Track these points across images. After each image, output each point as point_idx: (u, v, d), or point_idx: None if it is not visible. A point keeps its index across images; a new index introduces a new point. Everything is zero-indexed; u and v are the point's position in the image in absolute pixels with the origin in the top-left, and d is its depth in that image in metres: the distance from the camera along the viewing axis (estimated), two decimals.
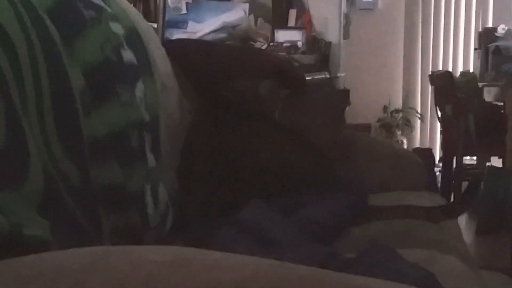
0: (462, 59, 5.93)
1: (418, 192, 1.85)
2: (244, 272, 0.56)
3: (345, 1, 5.59)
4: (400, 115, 5.93)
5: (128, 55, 1.35)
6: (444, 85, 4.33)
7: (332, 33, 5.62)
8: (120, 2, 1.43)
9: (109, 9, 1.34)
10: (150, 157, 1.34)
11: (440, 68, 5.86)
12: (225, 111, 1.77)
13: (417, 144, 6.01)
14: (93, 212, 1.04)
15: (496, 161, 4.59)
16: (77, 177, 1.01)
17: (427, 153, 4.69)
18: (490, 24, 5.55)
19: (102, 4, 1.33)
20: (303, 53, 5.47)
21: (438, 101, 4.60)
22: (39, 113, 0.94)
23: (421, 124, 6.01)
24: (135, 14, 1.53)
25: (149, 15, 4.52)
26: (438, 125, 5.14)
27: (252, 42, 5.31)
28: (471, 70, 5.02)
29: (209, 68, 1.90)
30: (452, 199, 4.08)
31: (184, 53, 1.86)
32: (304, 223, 1.33)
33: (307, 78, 2.33)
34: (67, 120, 1.03)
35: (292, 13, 5.79)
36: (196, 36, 5.19)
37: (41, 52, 0.98)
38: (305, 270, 0.60)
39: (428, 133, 6.01)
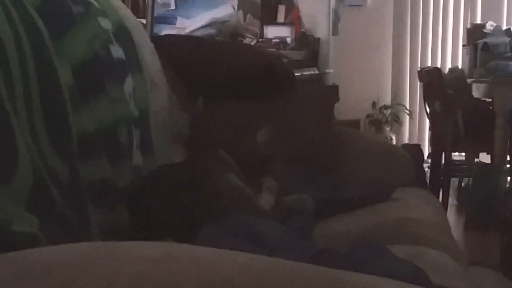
0: (450, 55, 5.93)
1: (407, 187, 1.85)
2: (234, 268, 0.56)
3: None
4: (389, 111, 5.93)
5: (117, 50, 1.34)
6: (433, 81, 4.33)
7: (321, 29, 5.61)
8: None
9: (97, 5, 1.34)
10: (137, 155, 1.34)
11: (429, 64, 5.85)
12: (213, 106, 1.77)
13: (405, 140, 6.01)
14: (82, 208, 1.04)
15: (484, 157, 4.60)
16: (66, 173, 1.00)
17: (416, 149, 4.69)
18: (478, 21, 5.53)
19: None
20: (292, 49, 5.46)
21: (427, 97, 4.60)
22: (28, 109, 0.93)
23: (409, 120, 6.01)
24: (123, 10, 1.53)
25: (137, 11, 4.49)
26: (427, 121, 5.12)
27: (241, 38, 5.29)
28: (460, 67, 5.01)
29: (198, 64, 1.90)
30: (440, 195, 4.09)
31: (173, 49, 1.86)
32: None
33: (296, 74, 2.34)
34: (56, 116, 1.02)
35: (281, 9, 5.78)
36: (185, 32, 5.17)
37: (29, 48, 0.98)
38: (295, 266, 0.60)
39: (416, 129, 6.01)
